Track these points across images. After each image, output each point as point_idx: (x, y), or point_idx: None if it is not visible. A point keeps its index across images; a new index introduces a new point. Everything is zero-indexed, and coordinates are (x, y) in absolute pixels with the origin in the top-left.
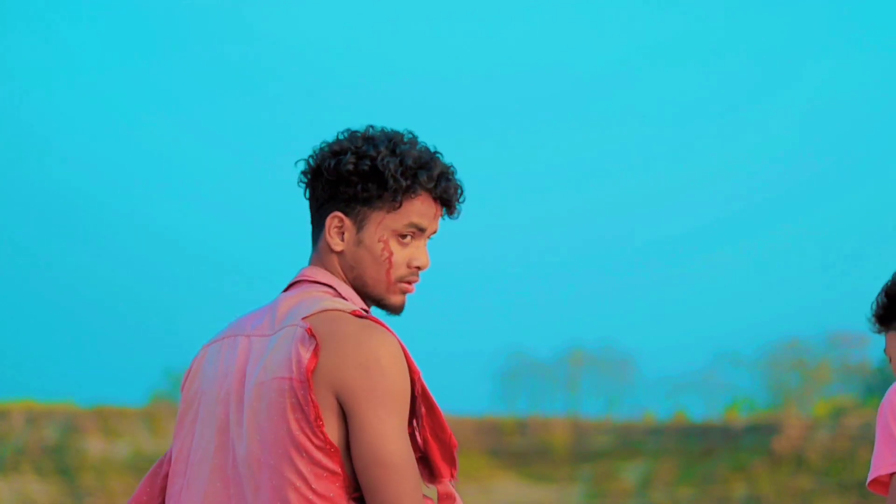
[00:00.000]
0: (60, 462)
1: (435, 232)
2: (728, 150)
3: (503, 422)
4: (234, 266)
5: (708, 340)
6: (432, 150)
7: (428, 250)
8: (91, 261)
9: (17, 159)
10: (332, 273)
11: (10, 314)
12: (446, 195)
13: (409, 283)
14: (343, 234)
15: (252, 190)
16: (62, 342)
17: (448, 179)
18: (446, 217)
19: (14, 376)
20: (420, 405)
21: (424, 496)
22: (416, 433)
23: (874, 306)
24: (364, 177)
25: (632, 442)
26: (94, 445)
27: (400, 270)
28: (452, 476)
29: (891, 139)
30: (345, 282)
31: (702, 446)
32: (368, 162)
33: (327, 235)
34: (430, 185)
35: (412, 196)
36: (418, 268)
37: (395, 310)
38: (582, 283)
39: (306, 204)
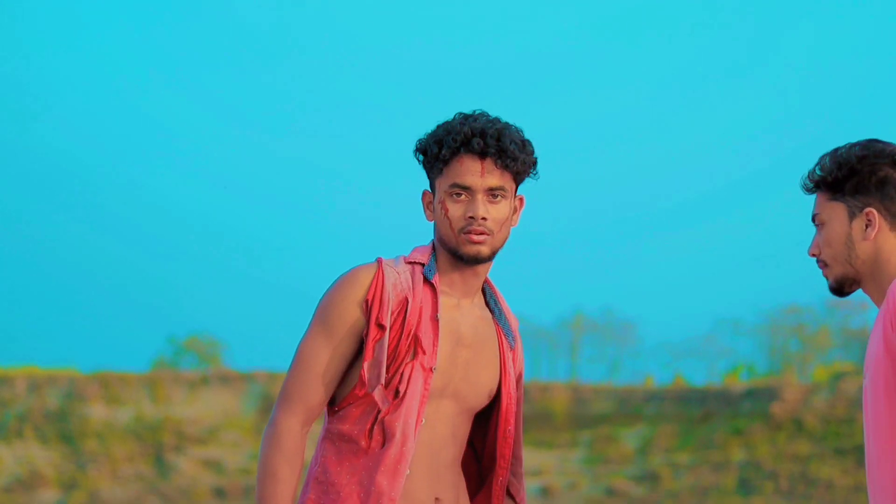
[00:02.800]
0: (63, 428)
1: (492, 187)
2: (727, 119)
3: None
4: (235, 235)
5: (708, 306)
6: (488, 118)
7: (499, 206)
8: (93, 229)
9: (16, 126)
10: (435, 239)
11: (13, 281)
12: (476, 149)
13: (471, 233)
14: (431, 206)
15: (254, 160)
16: (64, 309)
17: (483, 136)
18: (532, 179)
19: (16, 343)
20: (369, 329)
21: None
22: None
23: (818, 168)
24: (423, 154)
25: (631, 407)
26: (97, 411)
27: (459, 223)
28: (371, 387)
29: (881, 104)
30: (434, 247)
31: (701, 411)
32: (422, 143)
33: (424, 211)
34: (457, 146)
35: (450, 159)
36: (472, 218)
37: (474, 259)
38: (583, 251)
39: (306, 174)
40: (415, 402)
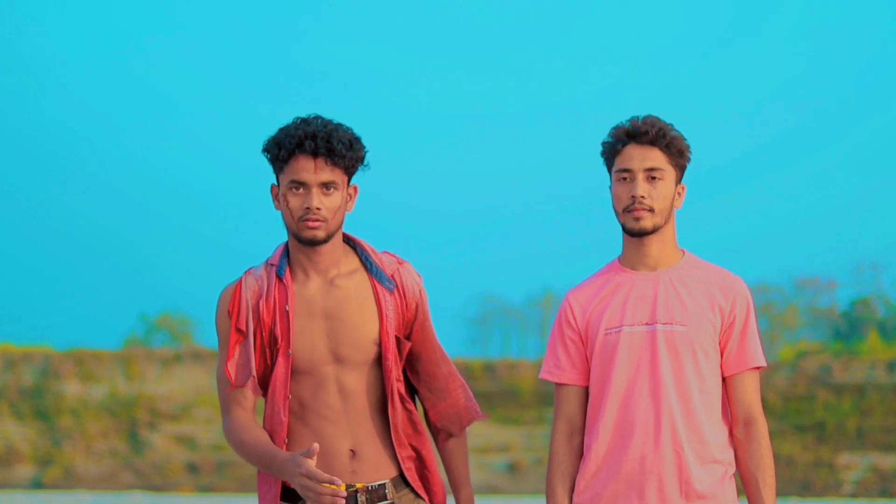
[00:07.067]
0: (38, 404)
1: (324, 182)
2: (712, 98)
3: (472, 364)
4: (206, 211)
5: None
6: (321, 121)
7: (331, 197)
8: (68, 206)
9: (4, 93)
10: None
11: None
12: (309, 150)
13: (308, 220)
14: (278, 198)
15: (243, 132)
16: (39, 286)
17: (314, 138)
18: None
19: None
20: (230, 334)
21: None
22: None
23: (674, 137)
24: (267, 153)
25: None
26: (71, 388)
27: (298, 213)
28: (241, 383)
29: (873, 67)
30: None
31: None
32: (266, 144)
33: (273, 202)
34: (292, 147)
35: (288, 159)
36: (308, 208)
37: (311, 242)
38: (554, 228)
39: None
40: (280, 383)
